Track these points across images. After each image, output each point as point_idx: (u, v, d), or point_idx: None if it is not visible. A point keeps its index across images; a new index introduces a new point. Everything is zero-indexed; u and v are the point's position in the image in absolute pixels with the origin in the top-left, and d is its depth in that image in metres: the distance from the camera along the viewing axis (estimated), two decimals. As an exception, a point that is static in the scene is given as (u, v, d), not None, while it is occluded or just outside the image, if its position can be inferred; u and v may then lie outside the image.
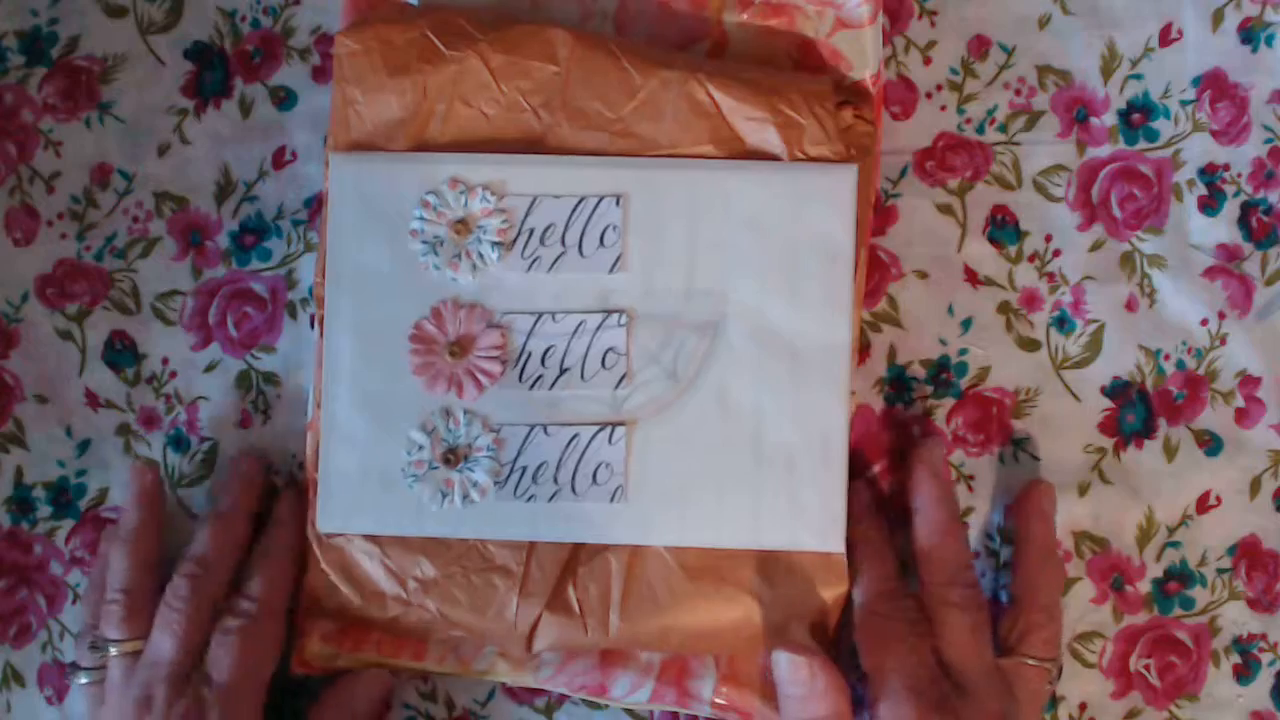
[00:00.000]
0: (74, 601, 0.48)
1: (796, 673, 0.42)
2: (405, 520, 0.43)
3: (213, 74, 0.48)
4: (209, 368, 0.48)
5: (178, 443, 0.48)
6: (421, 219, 0.43)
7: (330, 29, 0.47)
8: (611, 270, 0.43)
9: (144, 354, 0.48)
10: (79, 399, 0.48)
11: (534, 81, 0.43)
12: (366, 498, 0.43)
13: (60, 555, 0.48)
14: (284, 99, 0.48)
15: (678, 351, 0.43)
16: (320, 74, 0.48)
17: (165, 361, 0.48)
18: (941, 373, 0.48)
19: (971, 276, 0.48)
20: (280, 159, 0.48)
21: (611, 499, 0.43)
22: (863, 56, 0.45)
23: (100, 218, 0.48)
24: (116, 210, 0.48)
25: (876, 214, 0.47)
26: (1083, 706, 0.48)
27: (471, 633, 0.44)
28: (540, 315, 0.43)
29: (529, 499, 0.43)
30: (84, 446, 0.48)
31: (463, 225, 0.43)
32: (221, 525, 0.45)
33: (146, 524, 0.45)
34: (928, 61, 0.48)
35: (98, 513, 0.48)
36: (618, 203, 0.43)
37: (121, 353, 0.48)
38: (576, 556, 0.44)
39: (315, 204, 0.48)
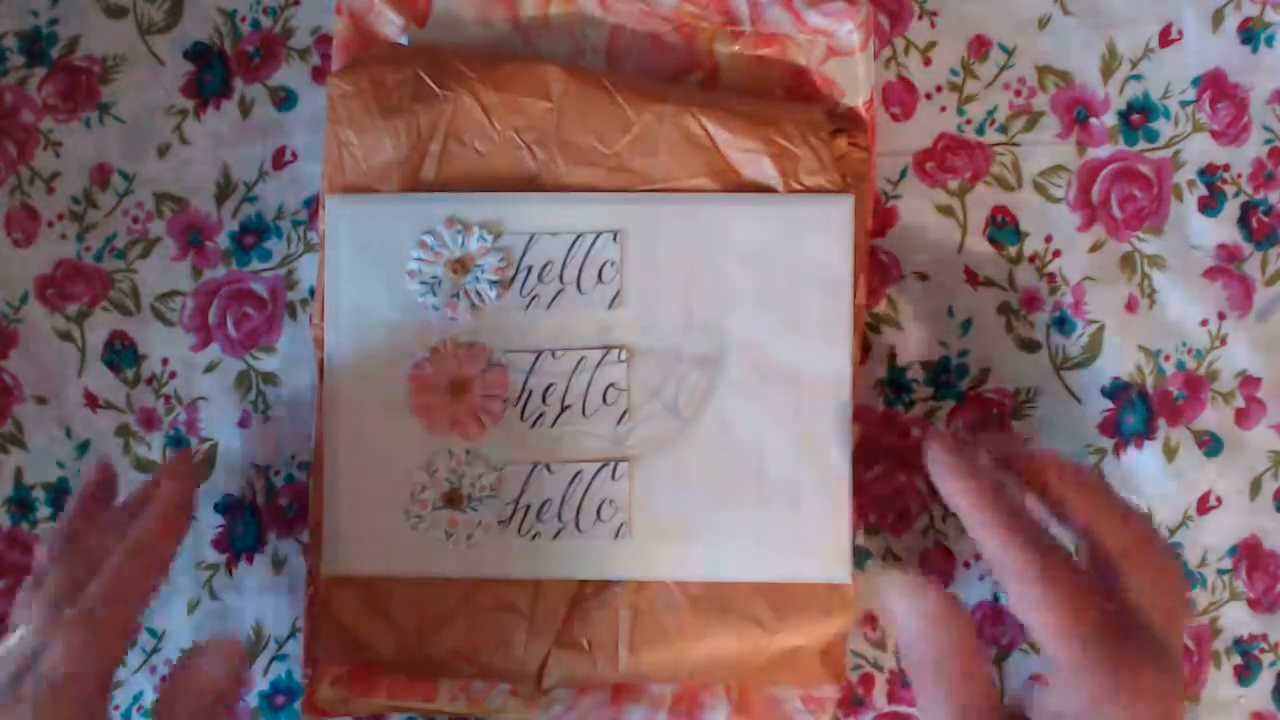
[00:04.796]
0: (73, 602, 0.48)
1: (910, 599, 0.37)
2: (410, 561, 0.43)
3: (213, 74, 0.48)
4: (209, 368, 0.48)
5: (177, 443, 0.48)
6: (419, 259, 0.43)
7: (330, 29, 0.47)
8: (610, 306, 0.43)
9: (144, 354, 0.48)
10: (79, 400, 0.48)
11: (528, 118, 0.43)
12: (370, 540, 0.43)
13: (60, 556, 0.48)
14: (284, 99, 0.48)
15: (678, 386, 0.43)
16: (320, 74, 0.48)
17: (165, 362, 0.48)
18: (942, 374, 0.48)
19: (971, 277, 0.48)
20: (280, 159, 0.48)
21: (616, 535, 0.43)
22: (855, 83, 0.45)
23: (100, 218, 0.48)
24: (116, 211, 0.48)
25: (876, 215, 0.47)
26: (1083, 708, 0.48)
27: (481, 671, 0.44)
28: (540, 353, 0.43)
29: (533, 537, 0.43)
30: (84, 447, 0.48)
31: (460, 265, 0.43)
32: (103, 515, 0.42)
33: (72, 516, 0.42)
34: (928, 62, 0.48)
35: (97, 513, 0.48)
36: (615, 238, 0.43)
37: (121, 353, 0.48)
38: (584, 592, 0.44)
39: (315, 204, 0.48)
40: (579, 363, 0.43)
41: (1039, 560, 0.36)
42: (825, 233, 0.43)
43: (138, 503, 0.42)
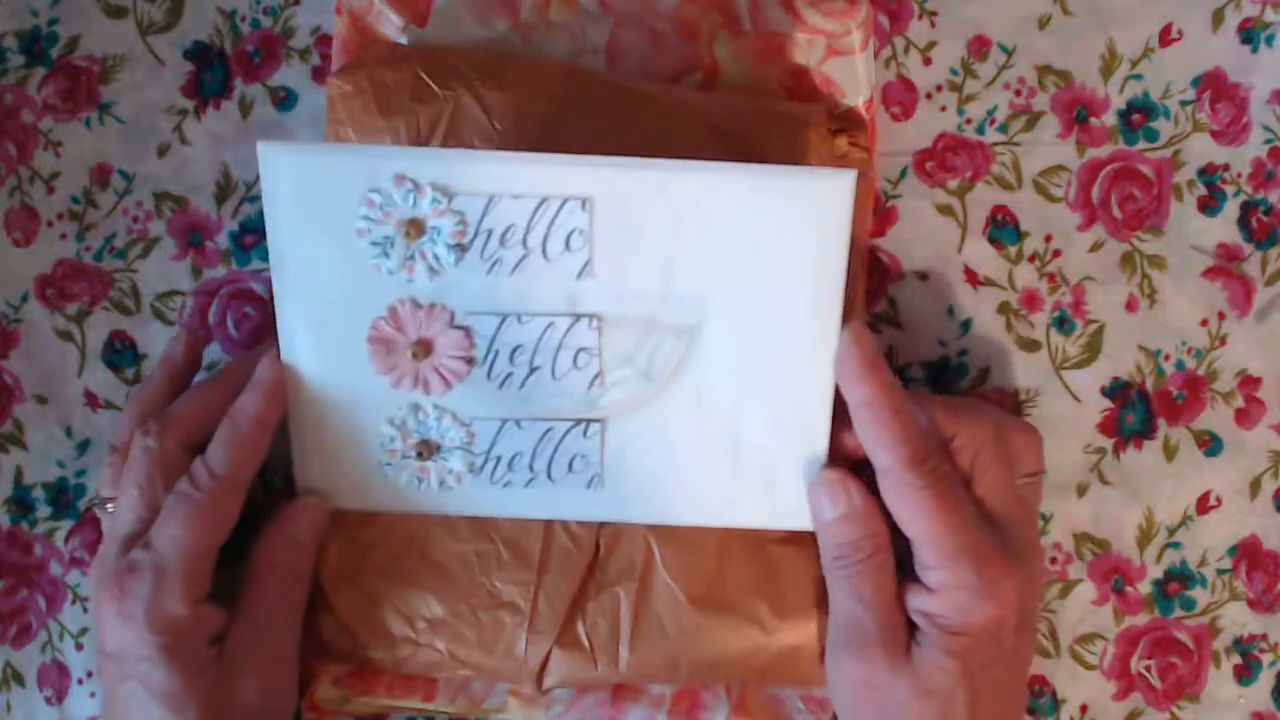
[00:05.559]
0: (74, 602, 0.48)
1: (835, 493, 0.41)
2: (384, 500, 0.43)
3: (213, 74, 0.48)
4: (209, 368, 0.48)
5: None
6: (367, 218, 0.40)
7: (330, 29, 0.47)
8: (579, 277, 0.40)
9: (144, 354, 0.48)
10: (79, 399, 0.48)
11: (528, 118, 0.43)
12: (344, 482, 0.43)
13: (60, 555, 0.48)
14: (284, 99, 0.48)
15: (653, 352, 0.41)
16: (320, 74, 0.48)
17: (165, 361, 0.48)
18: (941, 374, 0.48)
19: (971, 277, 0.48)
20: (280, 159, 0.48)
21: (589, 486, 0.43)
22: (855, 83, 0.45)
23: (100, 218, 0.48)
24: (116, 210, 0.48)
25: (876, 215, 0.47)
26: (1084, 708, 0.48)
27: (481, 671, 0.44)
28: (505, 316, 0.41)
29: (505, 485, 0.43)
30: (84, 446, 0.48)
31: (414, 226, 0.39)
32: (201, 388, 0.44)
33: (157, 384, 0.45)
34: (928, 62, 0.48)
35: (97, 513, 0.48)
36: (583, 206, 0.39)
37: (121, 353, 0.48)
38: (584, 591, 0.43)
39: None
40: (547, 328, 0.41)
41: (935, 479, 0.39)
42: (822, 209, 0.39)
43: (226, 377, 0.43)
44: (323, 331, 0.41)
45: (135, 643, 0.39)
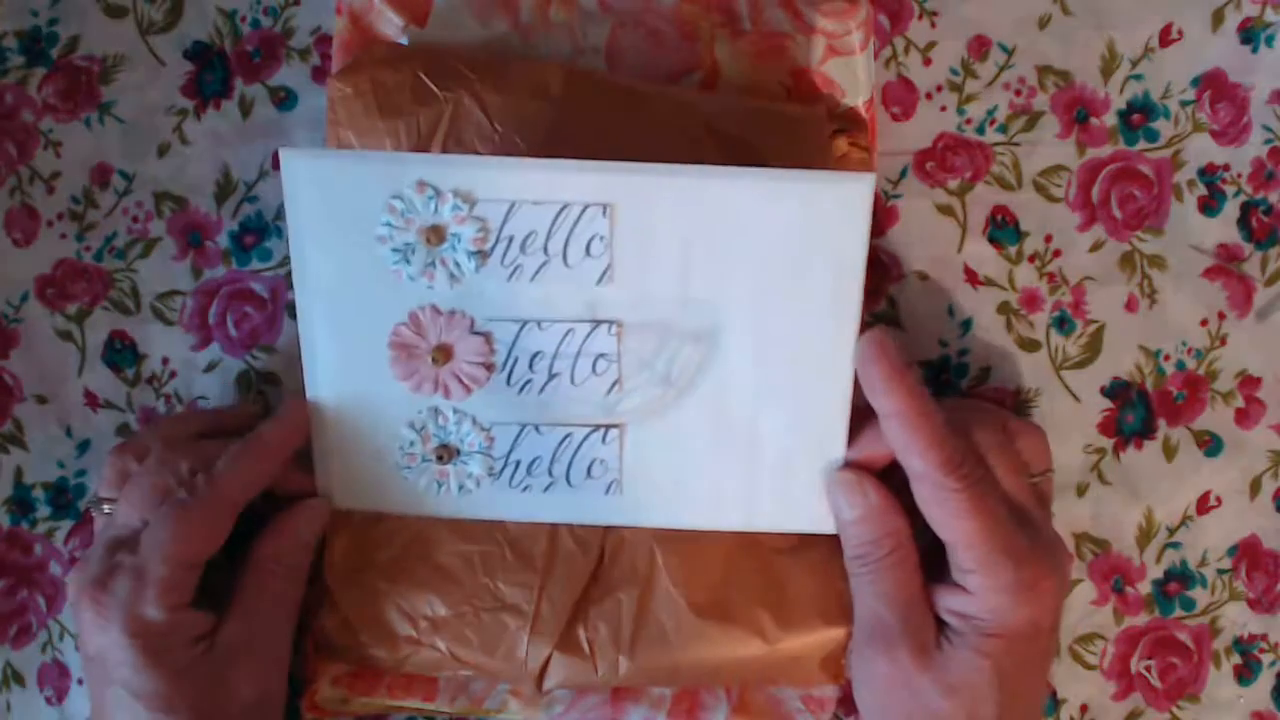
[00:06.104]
0: (73, 602, 0.48)
1: (852, 494, 0.41)
2: (404, 503, 0.43)
3: (213, 74, 0.48)
4: (209, 368, 0.48)
5: (177, 443, 0.48)
6: (388, 225, 0.40)
7: (330, 29, 0.47)
8: (599, 282, 0.41)
9: (144, 354, 0.48)
10: (79, 399, 0.48)
11: (528, 118, 0.43)
12: (363, 483, 0.43)
13: (60, 555, 0.48)
14: (284, 99, 0.48)
15: (672, 358, 0.41)
16: (320, 74, 0.48)
17: (165, 361, 0.48)
18: (941, 374, 0.48)
19: (972, 277, 0.48)
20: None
21: (607, 491, 0.43)
22: (855, 83, 0.45)
23: (100, 218, 0.48)
24: (116, 210, 0.48)
25: (876, 215, 0.47)
26: (1084, 708, 0.48)
27: (482, 672, 0.44)
28: (524, 323, 0.41)
29: (524, 489, 0.43)
30: (84, 447, 0.48)
31: (435, 233, 0.40)
32: (213, 412, 0.45)
33: (196, 425, 0.45)
34: (928, 62, 0.48)
35: (97, 513, 0.48)
36: (604, 212, 0.40)
37: (121, 353, 0.48)
38: (587, 596, 0.43)
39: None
40: (566, 334, 0.41)
41: (971, 483, 0.39)
42: (840, 213, 0.39)
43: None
44: (344, 335, 0.42)
45: (113, 646, 0.39)
